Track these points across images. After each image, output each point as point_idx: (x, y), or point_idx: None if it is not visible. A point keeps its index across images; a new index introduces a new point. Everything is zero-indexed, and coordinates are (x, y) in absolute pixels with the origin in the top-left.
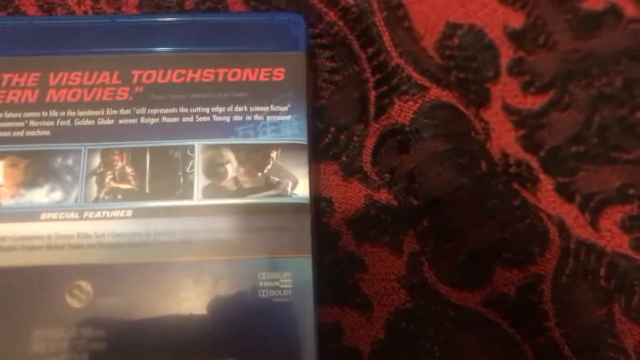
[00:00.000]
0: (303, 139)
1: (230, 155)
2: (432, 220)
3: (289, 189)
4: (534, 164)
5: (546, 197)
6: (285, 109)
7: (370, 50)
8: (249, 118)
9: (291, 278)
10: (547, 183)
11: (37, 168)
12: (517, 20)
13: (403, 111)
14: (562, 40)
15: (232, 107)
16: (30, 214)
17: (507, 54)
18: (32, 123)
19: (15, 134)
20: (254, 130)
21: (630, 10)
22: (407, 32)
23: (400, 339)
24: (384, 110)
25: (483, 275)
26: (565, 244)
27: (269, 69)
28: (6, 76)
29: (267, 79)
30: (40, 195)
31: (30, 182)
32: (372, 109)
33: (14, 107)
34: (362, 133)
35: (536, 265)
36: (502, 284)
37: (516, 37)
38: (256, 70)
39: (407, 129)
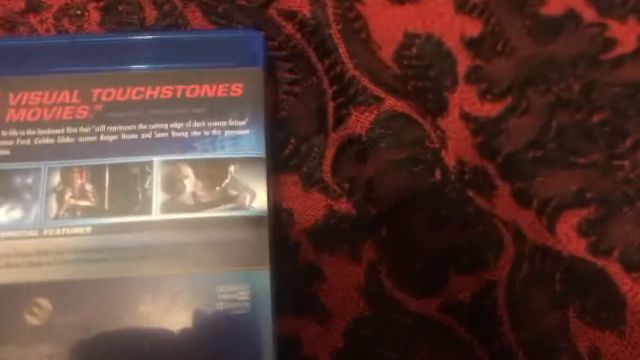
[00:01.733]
0: (261, 153)
1: (188, 171)
2: (390, 229)
3: (246, 202)
4: (491, 170)
5: (502, 203)
6: (243, 123)
7: (327, 62)
8: (207, 133)
9: (249, 290)
10: (504, 189)
11: None
12: (474, 28)
13: (360, 122)
14: (520, 46)
15: (190, 123)
16: None
17: (464, 62)
18: None
19: None
20: (212, 145)
21: (588, 15)
22: (364, 43)
23: (359, 348)
24: (342, 121)
25: (439, 282)
26: (520, 249)
27: (227, 85)
28: None
29: (225, 95)
30: (1, 214)
31: None
32: (330, 120)
33: None
34: (322, 144)
35: (490, 271)
36: (458, 291)
37: (473, 45)
38: (214, 86)
39: (364, 139)
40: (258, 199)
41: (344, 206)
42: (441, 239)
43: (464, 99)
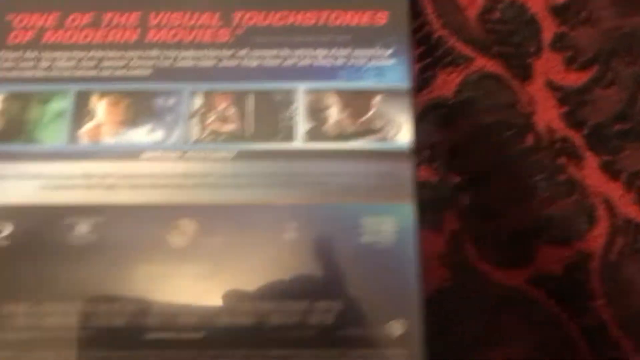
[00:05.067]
0: (405, 84)
1: (332, 100)
2: (475, 198)
3: (391, 135)
4: (579, 141)
5: (591, 174)
6: (388, 53)
7: (414, 23)
8: (351, 62)
9: (394, 224)
10: (592, 160)
11: (138, 107)
12: None
13: (446, 84)
14: (605, 17)
15: (334, 51)
16: (132, 152)
17: (549, 28)
18: (133, 63)
19: (116, 73)
20: (357, 75)
21: None
22: (451, 2)
23: (441, 319)
24: (427, 84)
25: (527, 254)
26: (614, 221)
27: (372, 12)
28: (107, 15)
29: (369, 23)
30: (142, 135)
31: (132, 121)
32: (415, 83)
33: (114, 46)
34: None
35: (584, 242)
36: (548, 262)
37: (559, 12)
38: (359, 14)
39: (451, 102)
40: (403, 131)
41: (424, 174)
42: (531, 209)
43: (549, 67)
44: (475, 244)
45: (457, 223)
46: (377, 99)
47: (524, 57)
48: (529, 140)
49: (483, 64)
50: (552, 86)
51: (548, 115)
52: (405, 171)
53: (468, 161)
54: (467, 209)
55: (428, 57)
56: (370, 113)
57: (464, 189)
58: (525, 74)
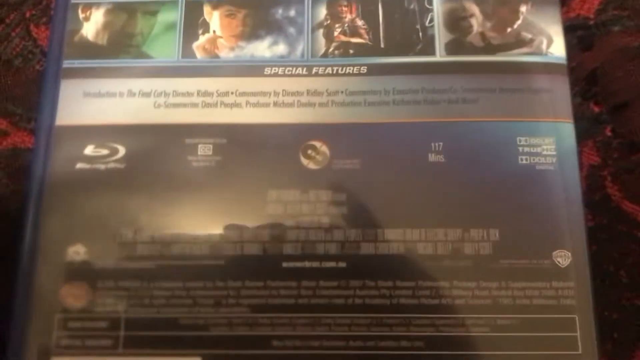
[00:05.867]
0: None
1: (474, 8)
2: (617, 129)
3: (543, 47)
4: None
5: None
6: None
7: None
8: None
9: (555, 144)
10: None
11: (256, 19)
12: None
13: (587, 2)
14: None
15: None
16: (253, 68)
17: None
18: None
19: None
20: None
21: None
22: None
23: None
24: (564, 3)
25: None
26: None
27: None
28: None
29: None
30: (262, 48)
31: (250, 33)
32: None
33: None
34: None
35: None
36: None
37: None
38: None
39: (591, 22)
40: (555, 44)
41: None
42: None
43: None
44: (618, 181)
45: (597, 157)
46: (524, 8)
47: None
48: None
49: None
50: None
51: None
52: (563, 86)
53: (609, 89)
54: (608, 142)
55: None
56: (517, 24)
57: (604, 119)
58: None
